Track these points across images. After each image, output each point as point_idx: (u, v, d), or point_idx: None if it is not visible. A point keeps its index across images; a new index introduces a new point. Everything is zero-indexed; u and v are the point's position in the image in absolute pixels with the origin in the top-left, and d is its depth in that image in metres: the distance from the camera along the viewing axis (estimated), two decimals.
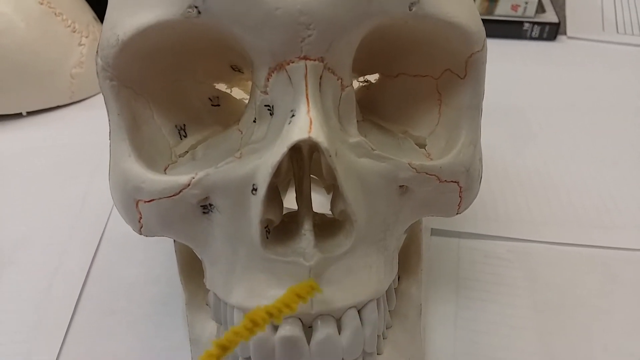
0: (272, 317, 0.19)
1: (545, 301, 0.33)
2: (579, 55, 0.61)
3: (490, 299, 0.33)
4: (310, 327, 0.22)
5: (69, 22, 0.54)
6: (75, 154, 0.47)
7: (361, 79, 0.27)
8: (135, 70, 0.22)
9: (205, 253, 0.24)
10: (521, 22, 0.62)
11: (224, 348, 0.17)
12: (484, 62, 0.23)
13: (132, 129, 0.22)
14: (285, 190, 0.29)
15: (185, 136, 0.24)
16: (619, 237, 0.38)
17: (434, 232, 0.38)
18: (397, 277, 0.29)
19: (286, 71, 0.19)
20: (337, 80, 0.20)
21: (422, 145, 0.25)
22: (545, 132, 0.48)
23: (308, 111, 0.19)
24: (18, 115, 0.54)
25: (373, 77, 0.27)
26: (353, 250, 0.22)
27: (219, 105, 0.26)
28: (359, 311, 0.22)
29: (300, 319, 0.21)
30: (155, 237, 0.24)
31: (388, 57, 0.25)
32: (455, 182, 0.23)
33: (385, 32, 0.22)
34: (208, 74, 0.25)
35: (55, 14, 0.53)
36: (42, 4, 0.52)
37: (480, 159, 0.24)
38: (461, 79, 0.23)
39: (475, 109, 0.24)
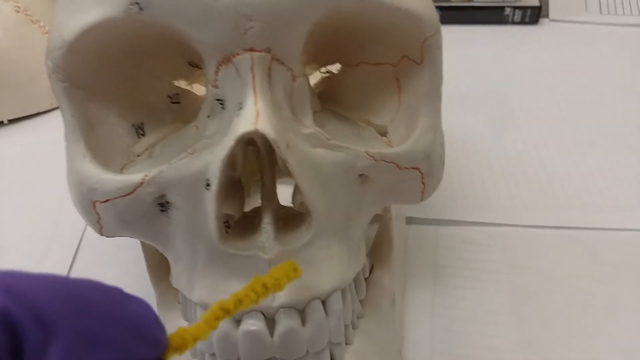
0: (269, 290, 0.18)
1: (524, 285, 0.33)
2: (561, 38, 0.60)
3: (468, 286, 0.33)
4: (274, 319, 0.22)
5: (47, 29, 0.53)
6: (56, 160, 0.46)
7: (323, 69, 0.27)
8: (87, 70, 0.22)
9: (168, 251, 0.23)
10: (502, 7, 0.61)
11: (226, 311, 0.16)
12: (439, 47, 0.23)
13: (87, 130, 0.22)
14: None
15: (143, 135, 0.24)
16: (600, 218, 0.37)
17: (413, 220, 0.38)
18: (369, 266, 0.29)
19: (233, 64, 0.19)
20: (287, 70, 0.20)
21: (385, 134, 0.25)
22: (527, 116, 0.48)
23: (255, 103, 0.19)
24: None
25: (335, 68, 0.27)
26: (313, 242, 0.22)
27: (179, 102, 0.25)
28: (323, 302, 0.22)
29: (262, 312, 0.21)
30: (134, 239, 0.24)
31: (348, 47, 0.25)
32: (415, 168, 0.23)
33: (341, 21, 0.22)
34: (166, 72, 0.25)
35: (32, 21, 0.53)
36: (18, 12, 0.52)
37: (442, 144, 0.24)
38: (418, 64, 0.23)
39: (434, 95, 0.23)
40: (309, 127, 0.21)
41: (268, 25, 0.19)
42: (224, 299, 0.19)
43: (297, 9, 0.19)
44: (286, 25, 0.19)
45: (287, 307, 0.21)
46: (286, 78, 0.20)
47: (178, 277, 0.23)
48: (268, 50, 0.19)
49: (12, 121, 0.55)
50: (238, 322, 0.21)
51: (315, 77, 0.28)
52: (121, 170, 0.23)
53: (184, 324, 0.26)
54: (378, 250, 0.29)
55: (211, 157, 0.20)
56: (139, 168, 0.22)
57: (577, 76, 0.53)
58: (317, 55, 0.26)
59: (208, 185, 0.20)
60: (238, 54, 0.19)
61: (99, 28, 0.20)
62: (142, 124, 0.24)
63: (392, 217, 0.28)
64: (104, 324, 0.12)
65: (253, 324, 0.21)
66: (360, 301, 0.27)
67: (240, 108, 0.19)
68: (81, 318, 0.12)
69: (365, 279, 0.28)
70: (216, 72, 0.20)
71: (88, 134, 0.22)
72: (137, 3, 0.19)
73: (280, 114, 0.20)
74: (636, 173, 0.41)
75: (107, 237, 0.24)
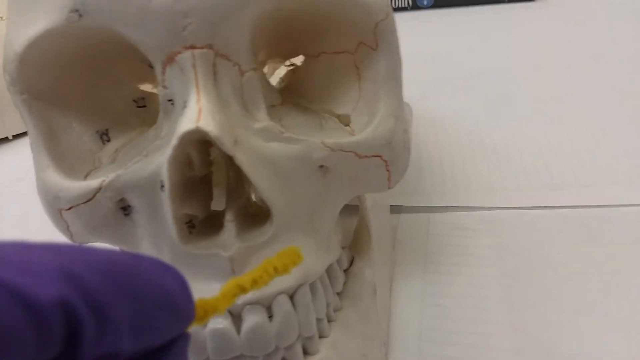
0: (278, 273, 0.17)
1: (515, 269, 0.32)
2: (557, 14, 0.59)
3: (457, 272, 0.33)
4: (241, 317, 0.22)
5: None
6: None
7: (287, 63, 0.27)
8: (44, 81, 0.22)
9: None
10: None
11: (242, 288, 0.16)
12: (392, 31, 0.22)
13: (50, 140, 0.23)
14: None
15: (108, 140, 0.24)
16: (595, 195, 0.36)
17: (404, 209, 0.38)
18: (350, 258, 0.28)
19: (177, 62, 0.19)
20: (234, 66, 0.20)
21: (348, 123, 0.24)
22: (523, 95, 0.47)
23: (198, 100, 0.19)
24: (5, 140, 0.56)
25: (299, 60, 0.26)
26: (277, 237, 0.22)
27: (144, 106, 0.25)
28: (291, 296, 0.22)
29: (229, 310, 0.21)
30: None
31: (307, 38, 0.25)
32: (377, 156, 0.23)
33: (292, 13, 0.22)
34: (130, 76, 0.25)
35: None
36: None
37: (406, 131, 0.24)
38: (374, 50, 0.23)
39: (393, 80, 0.23)
40: (262, 121, 0.21)
41: (205, 21, 0.19)
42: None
43: (235, 3, 0.19)
44: (225, 21, 0.19)
45: (253, 304, 0.21)
46: (233, 73, 0.20)
47: None
48: (210, 47, 0.19)
49: (16, 136, 0.56)
50: None
51: (282, 71, 0.27)
52: (86, 177, 0.23)
53: None
54: (358, 242, 0.29)
55: (162, 159, 0.20)
56: (102, 174, 0.22)
57: (573, 50, 0.52)
58: (279, 49, 0.25)
59: (162, 186, 0.20)
60: (180, 52, 0.19)
61: (46, 38, 0.20)
62: (107, 130, 0.24)
63: (368, 208, 0.27)
64: (152, 305, 0.12)
65: (219, 322, 0.21)
66: (338, 293, 0.26)
67: (185, 107, 0.19)
68: (133, 302, 0.11)
69: (345, 270, 0.28)
70: (163, 72, 0.20)
71: (51, 144, 0.23)
72: (77, 10, 0.19)
73: (227, 110, 0.20)
74: (630, 147, 0.39)
75: (80, 243, 0.24)
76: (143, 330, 0.12)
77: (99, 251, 0.12)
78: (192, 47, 0.19)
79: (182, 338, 0.14)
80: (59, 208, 0.22)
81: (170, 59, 0.19)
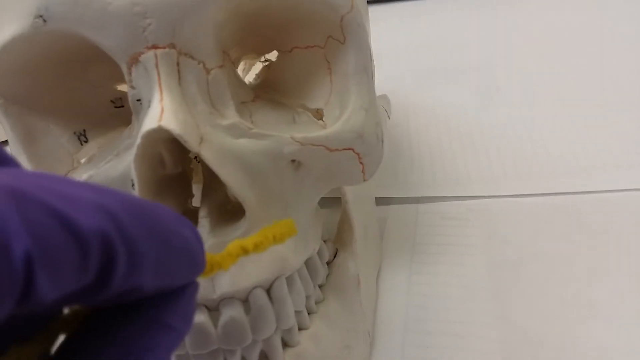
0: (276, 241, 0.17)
1: (503, 258, 0.32)
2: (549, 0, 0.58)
3: (445, 262, 0.33)
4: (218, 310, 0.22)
5: None
6: None
7: (262, 59, 0.27)
8: (19, 85, 0.22)
9: None
10: None
11: (245, 250, 0.16)
12: (358, 24, 0.22)
13: (28, 143, 0.23)
14: None
15: (86, 141, 0.25)
16: (584, 181, 0.36)
17: (393, 200, 0.38)
18: (334, 251, 0.29)
19: (141, 62, 0.20)
20: (199, 64, 0.20)
21: (321, 117, 0.24)
22: (512, 82, 0.46)
23: (161, 100, 0.19)
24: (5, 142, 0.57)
25: (274, 56, 0.26)
26: (251, 232, 0.22)
27: (122, 106, 0.26)
28: (268, 290, 0.22)
29: (205, 305, 0.22)
30: None
31: (278, 33, 0.25)
32: (349, 149, 0.23)
33: (257, 8, 0.22)
34: (106, 77, 0.25)
35: None
36: None
37: (378, 123, 0.24)
38: (342, 44, 0.23)
39: (362, 73, 0.23)
40: (230, 118, 0.21)
41: (165, 21, 0.19)
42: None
43: (190, 2, 0.19)
44: (185, 20, 0.19)
45: (229, 298, 0.22)
46: (198, 72, 0.20)
47: None
48: (172, 46, 0.19)
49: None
50: None
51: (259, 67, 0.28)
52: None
53: None
54: (341, 235, 0.29)
55: (131, 158, 0.20)
56: (78, 174, 0.23)
57: (563, 35, 0.51)
58: (251, 45, 0.26)
59: (133, 185, 0.20)
60: (142, 53, 0.19)
61: (15, 44, 0.20)
62: (85, 130, 0.25)
63: (350, 200, 0.28)
64: (173, 249, 0.12)
65: (196, 317, 0.21)
66: (320, 286, 0.27)
67: (149, 106, 0.19)
68: (159, 243, 0.12)
69: (328, 263, 0.28)
70: (129, 73, 0.20)
71: (29, 146, 0.23)
72: (41, 16, 0.19)
73: (193, 108, 0.20)
74: (621, 132, 0.39)
75: None
76: (164, 271, 0.12)
77: (130, 195, 0.12)
78: (155, 47, 0.19)
79: (193, 285, 0.14)
80: None
81: (134, 60, 0.20)
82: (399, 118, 0.45)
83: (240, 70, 0.32)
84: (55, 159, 0.24)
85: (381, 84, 0.50)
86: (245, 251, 0.16)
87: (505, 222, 0.34)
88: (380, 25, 0.56)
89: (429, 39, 0.54)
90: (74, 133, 0.25)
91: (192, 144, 0.19)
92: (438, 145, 0.42)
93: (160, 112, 0.19)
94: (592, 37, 0.49)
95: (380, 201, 0.37)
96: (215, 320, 0.22)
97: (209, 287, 0.21)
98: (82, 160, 0.24)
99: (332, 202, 0.31)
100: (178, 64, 0.20)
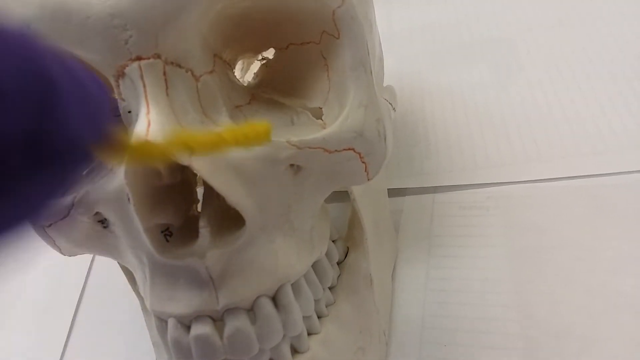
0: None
1: (523, 247, 0.31)
2: None
3: (463, 254, 0.32)
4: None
5: None
6: None
7: (260, 57, 0.26)
8: None
9: (125, 263, 0.24)
10: None
11: (187, 146, 0.15)
12: (353, 17, 0.21)
13: None
14: None
15: None
16: (610, 162, 0.34)
17: (408, 191, 0.37)
18: (345, 250, 0.28)
19: (127, 75, 0.19)
20: (186, 72, 0.20)
21: (321, 116, 0.23)
22: (534, 60, 0.44)
23: (147, 113, 0.18)
24: None
25: (271, 54, 0.26)
26: (252, 240, 0.21)
27: (119, 114, 0.25)
28: (273, 297, 0.22)
29: (210, 316, 0.21)
30: None
31: (272, 30, 0.24)
32: (349, 149, 0.22)
33: (247, 7, 0.21)
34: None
35: None
36: None
37: (380, 119, 0.22)
38: (337, 39, 0.22)
39: (360, 68, 0.22)
40: (223, 125, 0.20)
41: (146, 31, 0.18)
42: (174, 308, 0.19)
43: (170, 11, 0.18)
44: (166, 28, 0.18)
45: (233, 308, 0.21)
46: (187, 80, 0.20)
47: (140, 286, 0.24)
48: (157, 56, 0.19)
49: None
50: (188, 327, 0.22)
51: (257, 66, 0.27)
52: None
53: None
54: (351, 233, 0.28)
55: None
56: (76, 188, 0.23)
57: (585, 8, 0.48)
58: (246, 44, 0.25)
59: (129, 199, 0.20)
60: (127, 65, 0.19)
61: None
62: None
63: (357, 198, 0.27)
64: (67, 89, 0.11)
65: (201, 329, 0.21)
66: (331, 288, 0.26)
67: (137, 120, 0.19)
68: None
69: (339, 263, 0.28)
70: (117, 86, 0.20)
71: None
72: None
73: (182, 118, 0.19)
74: None
75: (69, 256, 0.24)
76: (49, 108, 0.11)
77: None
78: (139, 58, 0.19)
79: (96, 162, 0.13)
80: (41, 225, 0.23)
81: (119, 73, 0.19)
82: (413, 102, 0.44)
83: (238, 69, 0.31)
84: None
85: (395, 67, 0.48)
86: (188, 148, 0.15)
87: (526, 209, 0.33)
88: (393, 5, 0.54)
89: (445, 15, 0.52)
90: None
91: (181, 157, 0.18)
92: (455, 130, 0.40)
93: (147, 125, 0.18)
94: (622, 10, 0.46)
95: (395, 192, 0.36)
96: (220, 330, 0.21)
97: (212, 298, 0.21)
98: (83, 173, 0.24)
99: (342, 195, 0.30)
100: (165, 74, 0.19)
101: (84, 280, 0.37)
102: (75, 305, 0.36)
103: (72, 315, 0.35)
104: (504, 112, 0.40)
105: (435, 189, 0.36)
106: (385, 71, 0.36)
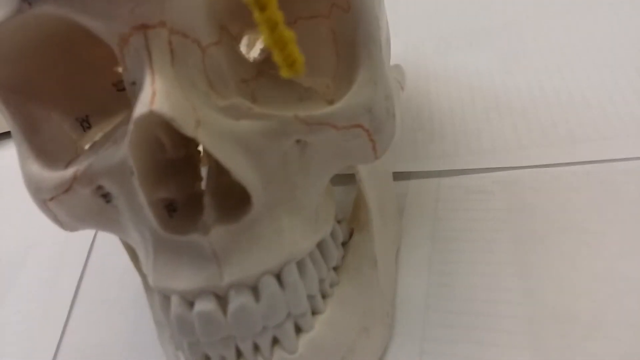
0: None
1: (530, 232, 0.30)
2: None
3: (468, 238, 0.31)
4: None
5: None
6: None
7: None
8: (16, 73, 0.22)
9: (127, 239, 0.24)
10: None
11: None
12: None
13: (29, 131, 0.23)
14: None
15: (89, 127, 0.24)
16: (621, 147, 0.33)
17: (413, 175, 0.36)
18: (350, 231, 0.28)
19: (131, 44, 0.19)
20: (193, 42, 0.19)
21: (329, 92, 0.23)
22: (540, 44, 0.43)
23: (152, 83, 0.18)
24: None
25: None
26: (258, 217, 0.21)
27: (124, 89, 0.25)
28: (278, 275, 0.22)
29: (215, 293, 0.21)
30: None
31: (281, 4, 0.23)
32: (357, 126, 0.21)
33: None
34: (105, 59, 0.24)
35: None
36: None
37: (389, 96, 0.22)
38: (346, 12, 0.21)
39: (370, 43, 0.21)
40: (229, 98, 0.20)
41: None
42: (178, 285, 0.18)
43: None
44: None
45: (237, 285, 0.21)
46: (193, 50, 0.19)
47: (142, 262, 0.24)
48: (162, 24, 0.18)
49: None
50: (192, 304, 0.21)
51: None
52: (67, 166, 0.23)
53: None
54: (356, 214, 0.28)
55: None
56: (80, 161, 0.22)
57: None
58: (252, 19, 0.24)
59: (132, 173, 0.20)
60: (131, 34, 0.18)
61: (5, 30, 0.20)
62: (87, 116, 0.24)
63: (363, 178, 0.26)
64: None
65: (205, 305, 0.21)
66: (335, 268, 0.26)
67: (141, 90, 0.18)
68: None
69: (344, 244, 0.27)
70: (121, 55, 0.19)
71: (31, 135, 0.23)
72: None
73: (189, 89, 0.19)
74: None
75: (71, 231, 0.24)
76: None
77: None
78: (144, 26, 0.18)
79: None
80: (42, 198, 0.22)
81: (124, 41, 0.19)
82: (419, 86, 0.43)
83: (243, 45, 0.30)
84: (57, 146, 0.23)
85: (400, 51, 0.48)
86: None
87: (532, 193, 0.33)
88: None
89: (451, 0, 0.51)
90: (76, 119, 0.24)
91: (187, 128, 0.18)
92: (461, 114, 0.40)
93: (152, 95, 0.18)
94: None
95: (399, 176, 0.36)
96: (224, 307, 0.21)
97: (216, 275, 0.21)
98: (85, 147, 0.24)
99: (347, 178, 0.30)
100: (170, 43, 0.19)
101: (85, 258, 0.37)
102: (76, 283, 0.35)
103: (73, 292, 0.35)
104: (511, 96, 0.40)
105: (440, 173, 0.36)
106: (391, 54, 0.36)
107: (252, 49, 0.30)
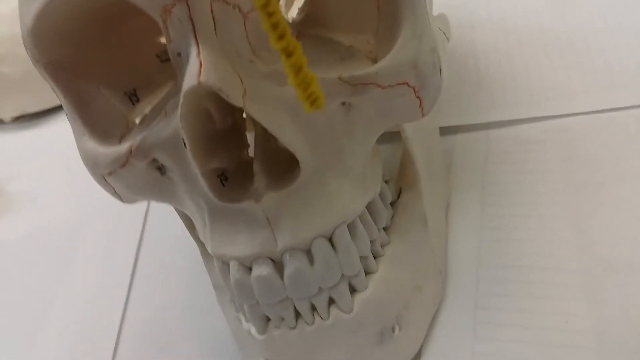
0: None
1: (583, 181, 0.29)
2: None
3: (519, 190, 0.31)
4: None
5: None
6: None
7: None
8: (63, 50, 0.22)
9: (184, 209, 0.24)
10: None
11: None
12: None
13: (81, 108, 0.23)
14: None
15: (137, 101, 0.24)
16: None
17: (460, 129, 0.35)
18: (398, 190, 0.28)
19: (174, 14, 0.18)
20: (234, 9, 0.19)
21: (371, 50, 0.22)
22: None
23: (198, 54, 0.18)
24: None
25: None
26: (307, 181, 0.21)
27: (168, 59, 0.25)
28: (330, 238, 0.22)
29: (271, 257, 0.22)
30: None
31: None
32: (403, 83, 0.21)
33: None
34: (147, 31, 0.25)
35: None
36: None
37: (434, 49, 0.21)
38: None
39: None
40: (273, 64, 0.20)
41: None
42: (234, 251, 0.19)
43: None
44: None
45: (291, 249, 0.21)
46: (234, 17, 0.19)
47: (199, 231, 0.24)
48: None
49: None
50: (250, 269, 0.22)
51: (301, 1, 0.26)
52: (120, 140, 0.23)
53: None
54: (404, 173, 0.27)
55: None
56: (132, 136, 0.23)
57: None
58: None
59: (185, 145, 0.20)
60: (174, 4, 0.18)
61: (50, 8, 0.20)
62: (135, 89, 0.25)
63: (409, 136, 0.26)
64: None
65: (262, 270, 0.22)
66: (385, 228, 0.26)
67: (188, 61, 0.18)
68: None
69: (392, 203, 0.27)
70: (165, 27, 0.19)
71: (83, 111, 0.23)
72: None
73: (233, 58, 0.19)
74: None
75: (129, 203, 0.25)
76: None
77: None
78: None
79: None
80: (100, 173, 0.23)
81: (167, 12, 0.19)
82: (463, 35, 0.41)
83: (281, 5, 0.30)
84: (109, 121, 0.24)
85: None
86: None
87: (585, 141, 0.31)
88: None
89: None
90: (125, 93, 0.24)
91: (234, 98, 0.18)
92: (509, 61, 0.38)
93: (199, 66, 0.18)
94: None
95: (446, 131, 0.35)
96: (280, 271, 0.22)
97: (270, 240, 0.21)
98: (137, 120, 0.24)
99: (393, 136, 0.29)
100: (212, 11, 0.19)
101: (141, 227, 0.38)
102: (135, 251, 0.37)
103: (133, 260, 0.36)
104: (561, 39, 0.38)
105: (488, 125, 0.35)
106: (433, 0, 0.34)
107: (289, 8, 0.29)
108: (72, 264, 0.38)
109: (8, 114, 0.55)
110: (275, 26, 0.14)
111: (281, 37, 0.14)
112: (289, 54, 0.15)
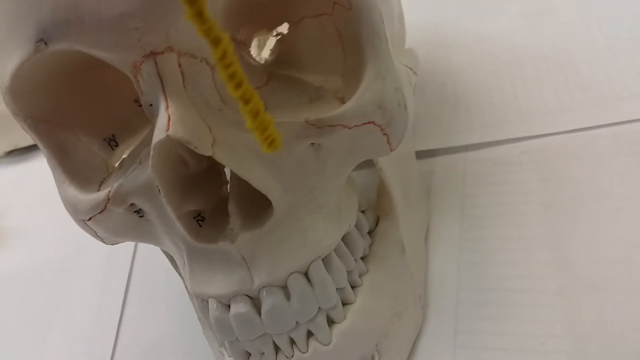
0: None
1: (560, 201, 0.30)
2: None
3: (497, 213, 0.31)
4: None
5: None
6: None
7: (274, 33, 0.26)
8: (42, 104, 0.23)
9: (164, 249, 0.25)
10: None
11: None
12: None
13: (61, 157, 0.24)
14: None
15: (117, 145, 0.25)
16: None
17: (439, 152, 0.36)
18: (376, 218, 0.28)
19: (143, 70, 0.19)
20: (201, 62, 0.20)
21: (339, 91, 0.23)
22: (564, 1, 0.41)
23: (167, 107, 0.19)
24: None
25: (286, 29, 0.25)
26: (281, 221, 0.22)
27: None
28: (306, 274, 0.23)
29: (248, 294, 0.22)
30: None
31: (286, 4, 0.23)
32: (369, 123, 0.22)
33: None
34: (126, 78, 0.25)
35: None
36: None
37: (398, 88, 0.22)
38: (348, 9, 0.21)
39: (376, 38, 0.21)
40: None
41: (156, 26, 0.18)
42: (213, 290, 0.20)
43: (178, 3, 0.18)
44: (177, 20, 0.18)
45: (268, 286, 0.22)
46: (202, 70, 0.20)
47: (180, 268, 0.25)
48: (170, 49, 0.19)
49: None
50: (228, 306, 0.23)
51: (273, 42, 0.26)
52: (100, 185, 0.24)
53: None
54: (380, 201, 0.28)
55: None
56: (111, 182, 0.24)
57: None
58: (259, 22, 0.24)
59: (159, 190, 0.21)
60: (142, 62, 0.19)
61: (26, 68, 0.21)
62: (114, 135, 0.25)
63: (383, 166, 0.27)
64: None
65: (240, 307, 0.22)
66: (363, 257, 0.27)
67: (158, 114, 0.19)
68: None
69: (370, 232, 0.28)
70: (136, 81, 0.20)
71: (63, 160, 0.24)
72: (41, 39, 0.19)
73: (201, 109, 0.20)
74: None
75: (112, 245, 0.26)
76: None
77: None
78: (153, 53, 0.19)
79: None
80: (81, 219, 0.24)
81: (136, 68, 0.19)
82: (440, 55, 0.42)
83: (254, 47, 0.30)
84: (89, 168, 0.24)
85: (420, 18, 0.47)
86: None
87: (562, 161, 0.32)
88: None
89: None
90: (104, 139, 0.25)
91: (202, 148, 0.19)
92: (484, 82, 0.39)
93: (167, 120, 0.18)
94: None
95: (425, 154, 0.36)
96: (258, 308, 0.22)
97: (247, 278, 0.22)
98: (116, 165, 0.25)
99: (369, 162, 0.30)
100: (180, 66, 0.19)
101: (130, 261, 0.39)
102: (124, 285, 0.38)
103: (123, 293, 0.37)
104: (535, 59, 0.38)
105: (466, 148, 0.35)
106: (410, 22, 0.35)
107: (262, 49, 0.30)
108: (65, 298, 0.39)
109: (1, 149, 0.56)
110: (232, 76, 0.15)
111: (238, 85, 0.15)
112: (246, 101, 0.16)
